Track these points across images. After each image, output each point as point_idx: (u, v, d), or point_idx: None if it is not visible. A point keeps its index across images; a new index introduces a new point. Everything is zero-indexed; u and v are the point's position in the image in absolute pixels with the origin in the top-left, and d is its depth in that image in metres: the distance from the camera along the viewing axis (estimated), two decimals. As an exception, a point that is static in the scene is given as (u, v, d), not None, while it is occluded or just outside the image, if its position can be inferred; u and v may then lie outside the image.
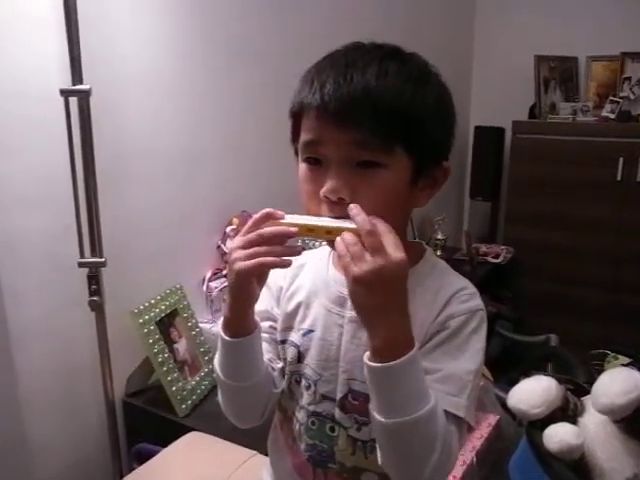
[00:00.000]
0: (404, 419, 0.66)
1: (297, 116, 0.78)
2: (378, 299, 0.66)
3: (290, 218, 0.74)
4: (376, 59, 0.74)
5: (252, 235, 0.72)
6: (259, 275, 0.75)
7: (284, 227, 0.72)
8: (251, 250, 0.71)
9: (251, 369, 0.82)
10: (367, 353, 0.69)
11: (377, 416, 0.68)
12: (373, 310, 0.67)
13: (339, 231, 0.69)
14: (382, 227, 0.68)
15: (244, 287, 0.74)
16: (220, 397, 0.87)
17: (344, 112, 0.71)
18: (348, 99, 0.71)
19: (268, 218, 0.73)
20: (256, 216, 0.74)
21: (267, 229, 0.72)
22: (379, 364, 0.67)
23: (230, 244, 1.84)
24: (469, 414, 0.74)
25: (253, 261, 0.70)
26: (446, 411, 0.70)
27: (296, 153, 0.82)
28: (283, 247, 0.71)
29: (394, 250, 0.66)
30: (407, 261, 0.67)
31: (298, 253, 0.73)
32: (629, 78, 2.96)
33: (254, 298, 0.77)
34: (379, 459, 0.73)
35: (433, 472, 0.69)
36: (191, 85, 1.73)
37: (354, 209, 0.69)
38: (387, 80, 0.72)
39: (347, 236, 0.68)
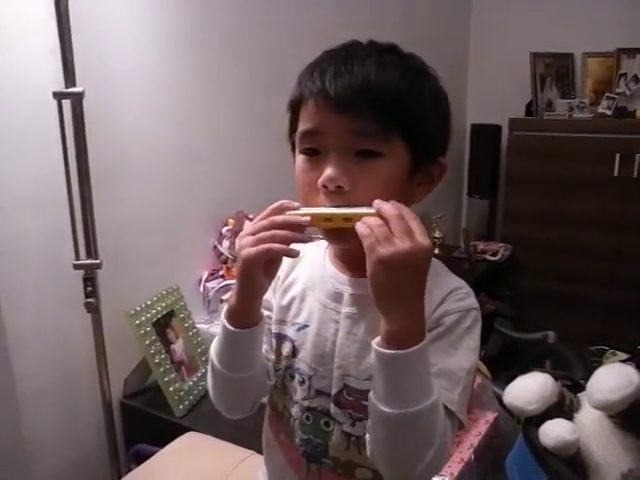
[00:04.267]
0: (409, 410, 0.65)
1: (296, 107, 0.78)
2: (401, 283, 0.65)
3: (306, 210, 0.73)
4: (375, 51, 0.75)
5: (264, 221, 0.71)
6: (268, 264, 0.72)
7: (297, 217, 0.71)
8: (258, 235, 0.70)
9: (251, 361, 0.80)
10: (376, 339, 0.68)
11: (380, 406, 0.67)
12: (395, 294, 0.66)
13: (359, 217, 0.69)
14: (408, 213, 0.68)
15: (251, 275, 0.72)
16: (211, 386, 0.86)
17: (344, 99, 0.71)
18: (349, 86, 0.71)
19: (283, 209, 0.73)
20: (272, 206, 0.73)
21: (279, 217, 0.71)
22: (392, 351, 0.65)
23: (226, 243, 1.85)
24: (461, 411, 0.74)
25: (260, 247, 0.69)
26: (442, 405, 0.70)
27: (293, 147, 0.82)
28: (290, 232, 0.70)
29: (421, 236, 0.65)
30: (432, 248, 0.67)
31: (309, 240, 0.72)
32: (625, 74, 2.97)
33: (262, 289, 0.76)
34: (368, 451, 0.72)
35: (426, 468, 0.68)
36: (186, 85, 1.74)
37: (376, 202, 0.69)
38: (387, 71, 0.73)
39: (370, 219, 0.67)
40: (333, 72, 0.72)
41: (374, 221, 0.67)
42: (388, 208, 0.67)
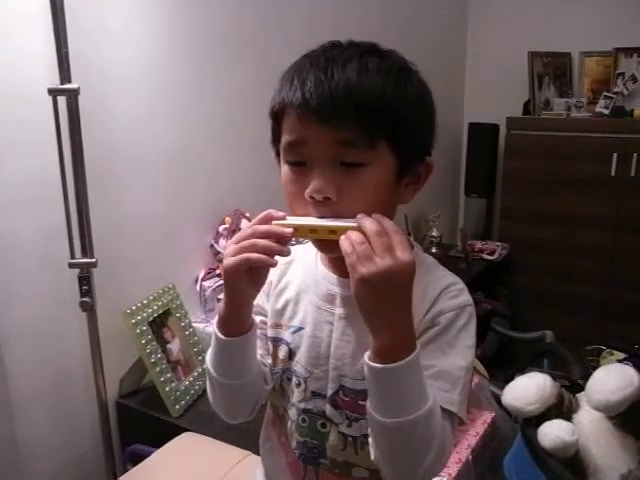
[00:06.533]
0: (404, 419, 0.66)
1: (278, 116, 0.76)
2: (384, 301, 0.65)
3: (292, 220, 0.73)
4: (355, 55, 0.73)
5: (246, 231, 0.71)
6: (252, 272, 0.72)
7: (280, 227, 0.71)
8: (240, 244, 0.70)
9: (244, 368, 0.81)
10: (368, 352, 0.68)
11: (376, 415, 0.68)
12: (379, 312, 0.66)
13: (344, 230, 0.68)
14: (390, 226, 0.67)
15: (232, 284, 0.73)
16: (210, 393, 0.87)
17: (326, 109, 0.69)
18: (330, 96, 0.69)
19: (269, 219, 0.72)
20: (258, 217, 0.73)
21: (262, 226, 0.71)
22: (381, 365, 0.66)
23: (222, 242, 1.84)
24: (461, 409, 0.74)
25: (238, 256, 0.70)
26: (440, 407, 0.70)
27: (277, 155, 0.81)
28: (269, 242, 0.70)
29: (402, 251, 0.65)
30: (414, 263, 0.66)
31: (286, 253, 0.72)
32: (622, 74, 2.97)
33: (248, 296, 0.76)
34: (372, 455, 0.73)
35: (428, 468, 0.69)
36: (183, 83, 1.72)
37: (359, 217, 0.69)
38: (368, 75, 0.71)
39: (353, 234, 0.67)
40: (313, 82, 0.70)
41: (356, 237, 0.66)
42: (369, 224, 0.67)
